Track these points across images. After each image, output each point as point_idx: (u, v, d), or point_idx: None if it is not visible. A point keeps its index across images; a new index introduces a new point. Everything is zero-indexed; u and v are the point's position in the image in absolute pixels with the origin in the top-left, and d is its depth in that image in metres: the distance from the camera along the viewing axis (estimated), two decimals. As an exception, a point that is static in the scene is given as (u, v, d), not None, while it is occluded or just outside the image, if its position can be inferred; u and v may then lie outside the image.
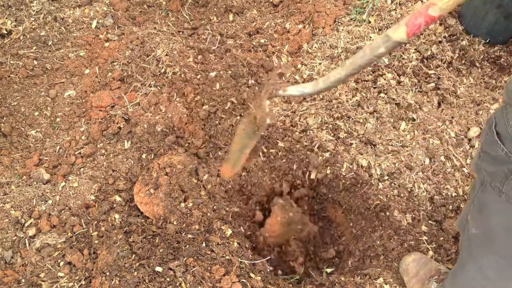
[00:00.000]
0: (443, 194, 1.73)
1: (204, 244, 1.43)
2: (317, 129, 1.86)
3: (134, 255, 1.40)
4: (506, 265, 0.97)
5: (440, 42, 2.02)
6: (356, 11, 2.19)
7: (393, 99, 1.89)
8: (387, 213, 1.68)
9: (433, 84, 1.94)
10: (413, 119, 1.87)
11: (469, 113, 1.94)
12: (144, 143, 1.78)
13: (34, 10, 2.28)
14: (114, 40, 2.16)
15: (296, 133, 1.85)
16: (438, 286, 1.42)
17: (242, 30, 2.25)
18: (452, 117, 1.93)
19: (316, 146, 1.82)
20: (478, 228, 0.99)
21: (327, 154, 1.80)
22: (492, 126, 0.87)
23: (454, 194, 1.73)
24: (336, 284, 1.51)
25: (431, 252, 1.58)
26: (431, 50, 1.99)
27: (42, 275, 1.47)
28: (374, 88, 1.93)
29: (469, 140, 1.87)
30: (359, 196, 1.76)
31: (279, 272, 1.76)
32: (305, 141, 1.83)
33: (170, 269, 1.34)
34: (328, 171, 1.78)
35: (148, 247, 1.42)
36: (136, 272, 1.33)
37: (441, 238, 1.62)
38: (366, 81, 1.95)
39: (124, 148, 1.78)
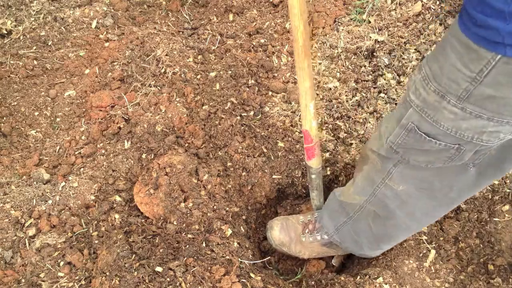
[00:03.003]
0: (443, 194, 1.73)
1: (204, 244, 1.43)
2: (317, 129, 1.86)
3: (134, 255, 1.40)
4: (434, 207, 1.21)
5: (440, 42, 2.02)
6: (356, 11, 2.19)
7: (393, 99, 1.89)
8: (387, 213, 1.68)
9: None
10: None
11: (469, 113, 1.94)
12: (144, 143, 1.78)
13: (34, 10, 2.28)
14: (114, 40, 2.17)
15: (296, 133, 1.85)
16: (314, 236, 1.60)
17: (242, 30, 2.25)
18: (452, 117, 1.92)
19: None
20: (407, 184, 1.16)
21: (327, 154, 1.80)
22: (416, 130, 0.95)
23: (454, 194, 1.73)
24: (336, 284, 1.51)
25: (433, 251, 1.58)
26: (431, 50, 1.99)
27: (42, 275, 1.47)
28: (374, 88, 1.93)
29: (469, 140, 1.87)
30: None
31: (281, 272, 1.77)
32: (305, 141, 1.83)
33: (170, 269, 1.34)
34: (328, 171, 1.78)
35: (148, 247, 1.42)
36: (136, 272, 1.33)
37: (441, 238, 1.62)
38: (366, 81, 1.95)
39: (124, 148, 1.78)
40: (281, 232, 1.63)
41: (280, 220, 1.67)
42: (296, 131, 1.86)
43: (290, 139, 1.83)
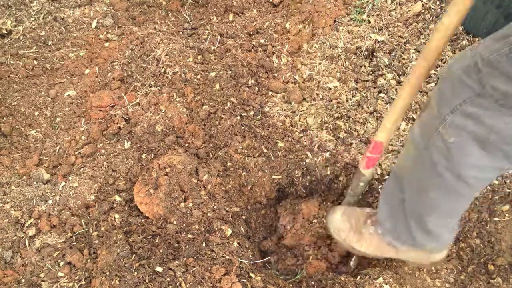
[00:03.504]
0: (443, 194, 1.73)
1: (204, 244, 1.43)
2: (317, 129, 1.86)
3: (134, 255, 1.40)
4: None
5: (440, 42, 2.02)
6: (356, 11, 2.19)
7: (393, 99, 1.89)
8: (387, 213, 1.68)
9: (433, 84, 1.94)
10: (413, 119, 1.87)
11: (469, 113, 1.94)
12: (144, 143, 1.78)
13: (34, 10, 2.28)
14: (114, 40, 2.17)
15: (296, 133, 1.85)
16: (376, 227, 1.47)
17: (242, 30, 2.25)
18: (452, 117, 1.92)
19: (316, 146, 1.82)
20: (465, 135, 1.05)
21: (327, 154, 1.80)
22: None
23: (454, 194, 1.73)
24: (336, 284, 1.51)
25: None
26: (431, 50, 1.99)
27: (42, 275, 1.47)
28: (374, 88, 1.93)
29: (469, 140, 1.87)
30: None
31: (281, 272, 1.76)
32: (305, 141, 1.83)
33: (170, 269, 1.34)
34: (328, 171, 1.78)
35: (148, 247, 1.42)
36: (136, 272, 1.33)
37: (441, 238, 1.62)
38: (366, 81, 1.95)
39: (124, 148, 1.78)
40: (343, 216, 1.53)
41: (344, 206, 1.59)
42: (296, 131, 1.86)
43: (290, 139, 1.83)
